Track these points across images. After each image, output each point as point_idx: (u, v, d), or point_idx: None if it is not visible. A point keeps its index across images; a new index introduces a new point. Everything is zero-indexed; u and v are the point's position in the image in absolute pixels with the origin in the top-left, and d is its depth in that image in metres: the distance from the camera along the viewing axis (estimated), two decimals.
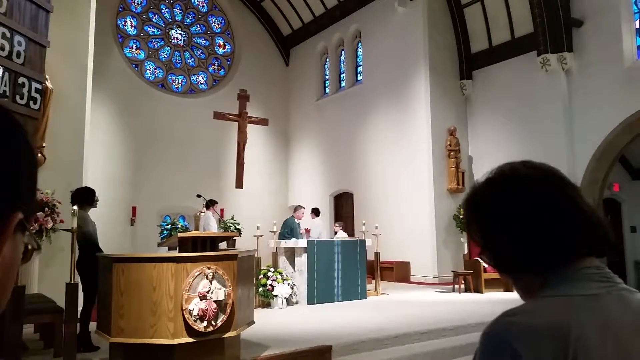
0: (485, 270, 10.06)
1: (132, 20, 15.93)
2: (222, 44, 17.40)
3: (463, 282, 10.37)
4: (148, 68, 16.03)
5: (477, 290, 10.07)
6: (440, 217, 12.40)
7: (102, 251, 5.55)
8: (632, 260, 13.33)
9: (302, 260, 9.06)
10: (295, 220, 10.24)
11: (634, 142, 11.14)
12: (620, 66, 10.72)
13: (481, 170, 12.70)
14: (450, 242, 12.49)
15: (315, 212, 11.13)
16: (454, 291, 10.35)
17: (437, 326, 6.49)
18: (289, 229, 9.92)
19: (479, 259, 10.39)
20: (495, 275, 9.36)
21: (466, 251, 12.13)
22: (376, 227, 10.43)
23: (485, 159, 12.74)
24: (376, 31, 14.51)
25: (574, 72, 11.50)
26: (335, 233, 11.59)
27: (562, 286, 0.89)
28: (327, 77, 16.83)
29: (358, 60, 15.68)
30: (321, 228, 10.70)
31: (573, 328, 0.82)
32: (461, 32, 13.41)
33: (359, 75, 15.56)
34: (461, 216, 12.13)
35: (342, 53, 16.27)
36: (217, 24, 17.45)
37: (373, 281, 10.25)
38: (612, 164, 11.16)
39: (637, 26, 10.89)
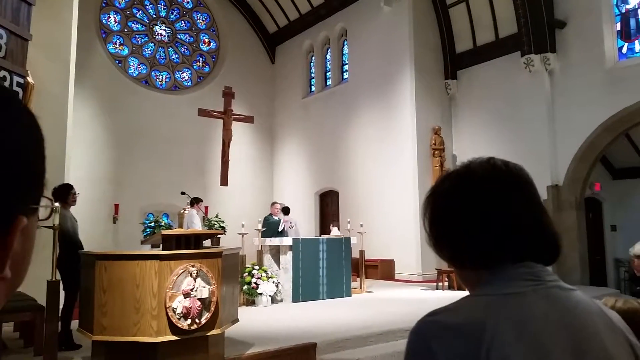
0: None
1: (115, 15, 15.74)
2: (207, 40, 17.28)
3: (447, 279, 10.45)
4: (131, 64, 15.85)
5: (460, 287, 10.14)
6: None
7: (83, 248, 5.48)
8: (612, 258, 13.55)
9: (287, 258, 9.06)
10: (273, 216, 10.25)
11: (615, 143, 11.32)
12: (602, 67, 10.88)
13: None
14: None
15: (284, 210, 10.98)
16: (437, 289, 10.43)
17: None
18: (265, 226, 9.86)
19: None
20: None
21: None
22: (361, 225, 10.47)
23: (469, 158, 12.80)
24: (362, 30, 14.54)
25: (557, 73, 11.64)
26: (330, 232, 11.59)
27: (489, 285, 0.91)
28: (312, 75, 16.81)
29: (344, 58, 15.70)
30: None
31: (488, 325, 0.83)
32: (446, 31, 13.49)
33: (344, 73, 15.57)
34: None
35: (328, 51, 16.27)
36: (202, 20, 17.33)
37: (358, 279, 10.28)
38: (593, 163, 11.33)
39: (618, 28, 11.06)
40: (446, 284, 10.41)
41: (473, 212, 0.95)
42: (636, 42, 10.86)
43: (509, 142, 11.99)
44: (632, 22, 10.92)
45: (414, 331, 0.90)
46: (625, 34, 10.99)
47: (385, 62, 13.62)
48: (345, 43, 15.56)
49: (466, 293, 0.98)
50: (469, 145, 13.06)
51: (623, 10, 11.05)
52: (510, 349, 0.81)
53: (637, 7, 10.88)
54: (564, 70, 11.53)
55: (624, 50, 10.97)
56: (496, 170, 1.01)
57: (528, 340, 0.83)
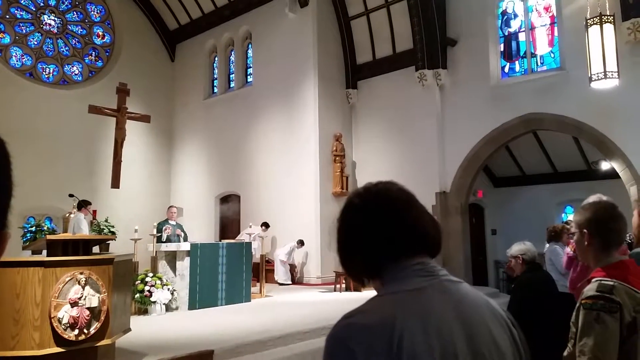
0: None
1: None
2: (100, 33, 16.32)
3: (344, 281, 10.74)
4: (14, 54, 14.54)
5: (357, 289, 10.47)
6: (325, 220, 12.72)
7: None
8: (493, 260, 14.74)
9: (184, 264, 8.77)
10: (170, 221, 9.89)
11: (496, 154, 12.37)
12: (487, 84, 11.84)
13: (364, 175, 13.28)
14: (334, 243, 12.79)
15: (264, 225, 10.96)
16: (335, 291, 10.69)
17: (318, 325, 6.64)
18: (160, 231, 9.50)
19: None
20: None
21: None
22: (262, 229, 10.44)
23: (368, 164, 13.35)
24: (267, 34, 14.55)
25: (447, 88, 12.46)
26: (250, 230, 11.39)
27: (392, 284, 1.02)
28: (215, 76, 16.50)
29: (248, 61, 15.59)
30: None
31: (398, 322, 0.92)
32: (347, 43, 13.91)
33: (249, 76, 15.47)
34: None
35: (232, 53, 16.07)
36: (97, 12, 16.34)
37: (258, 283, 10.23)
38: (477, 172, 12.26)
39: (502, 49, 12.11)
40: (343, 285, 10.70)
41: (354, 229, 1.10)
42: (517, 62, 11.96)
43: (403, 150, 12.64)
44: (514, 44, 12.02)
45: (332, 335, 0.96)
46: (507, 55, 12.06)
47: (289, 68, 13.74)
48: (250, 46, 15.47)
49: (363, 293, 1.06)
50: (367, 153, 13.56)
51: (506, 33, 12.12)
52: (417, 340, 0.91)
53: (517, 31, 11.99)
54: (453, 85, 12.37)
55: (507, 69, 12.04)
56: (378, 190, 1.12)
57: (431, 331, 0.93)
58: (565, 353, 2.03)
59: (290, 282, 12.42)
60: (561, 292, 4.96)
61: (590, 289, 1.92)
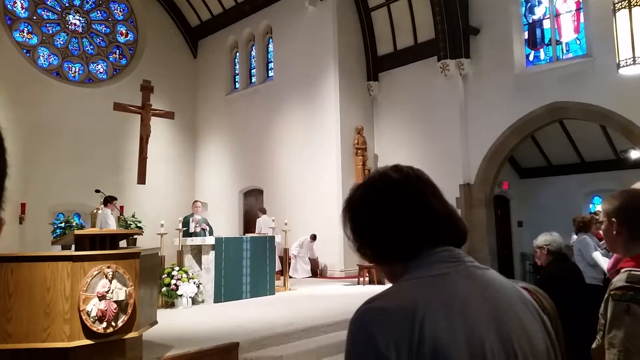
0: None
1: (22, 1, 14.67)
2: (124, 32, 16.55)
3: (367, 274, 10.73)
4: (42, 54, 14.86)
5: (380, 282, 10.47)
6: None
7: None
8: (519, 252, 14.53)
9: (209, 258, 8.87)
10: (195, 215, 10.05)
11: (521, 144, 12.14)
12: (511, 73, 11.62)
13: None
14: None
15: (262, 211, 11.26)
16: (359, 284, 10.69)
17: (342, 318, 6.65)
18: (185, 225, 9.68)
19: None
20: None
21: None
22: (285, 223, 10.48)
23: (390, 157, 13.25)
24: (287, 28, 14.55)
25: (470, 78, 12.27)
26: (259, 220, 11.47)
27: (416, 270, 1.01)
28: (237, 71, 16.59)
29: (269, 56, 15.62)
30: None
31: (420, 305, 0.92)
32: (368, 34, 13.81)
33: (270, 71, 15.50)
34: None
35: (253, 48, 16.12)
36: (120, 11, 16.57)
37: (282, 277, 10.29)
38: (502, 163, 12.06)
39: (526, 37, 11.86)
40: (367, 279, 10.70)
41: (390, 210, 1.05)
42: (542, 50, 11.71)
43: (426, 142, 12.51)
44: (538, 31, 11.76)
45: (353, 319, 0.96)
46: (532, 42, 11.81)
47: (310, 62, 13.72)
48: (270, 40, 15.49)
49: (386, 286, 1.05)
50: (389, 145, 13.47)
51: (530, 21, 11.86)
52: (440, 324, 0.90)
53: (542, 17, 11.73)
54: (476, 75, 12.18)
55: (531, 57, 11.79)
56: (404, 174, 1.10)
57: (455, 315, 0.92)
58: (593, 345, 1.99)
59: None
60: (589, 283, 4.86)
61: (619, 280, 1.87)
